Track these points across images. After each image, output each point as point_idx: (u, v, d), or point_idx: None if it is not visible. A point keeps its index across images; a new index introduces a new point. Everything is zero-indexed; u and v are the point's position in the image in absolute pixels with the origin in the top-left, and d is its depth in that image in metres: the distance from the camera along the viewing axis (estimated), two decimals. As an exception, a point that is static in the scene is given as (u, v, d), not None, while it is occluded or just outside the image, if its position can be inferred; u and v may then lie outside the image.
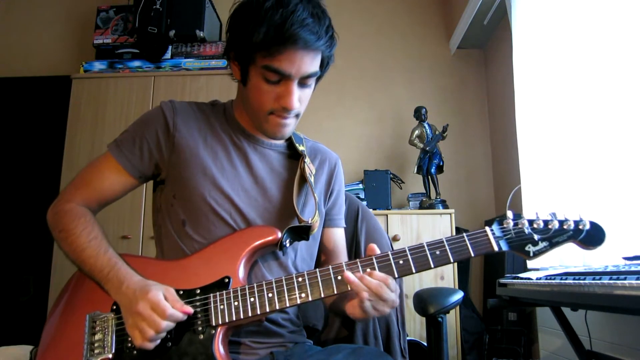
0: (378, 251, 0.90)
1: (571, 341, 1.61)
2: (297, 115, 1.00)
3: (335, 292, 0.88)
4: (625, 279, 1.01)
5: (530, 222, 0.88)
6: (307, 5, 0.91)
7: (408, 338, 1.54)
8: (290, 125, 1.01)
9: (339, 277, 0.88)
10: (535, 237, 0.87)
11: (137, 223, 2.57)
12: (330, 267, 0.90)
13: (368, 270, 0.87)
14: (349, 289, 0.87)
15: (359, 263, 0.89)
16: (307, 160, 1.09)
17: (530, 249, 0.86)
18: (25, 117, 3.11)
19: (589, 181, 1.75)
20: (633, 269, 1.15)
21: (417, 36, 3.28)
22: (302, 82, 0.95)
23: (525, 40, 2.23)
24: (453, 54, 3.22)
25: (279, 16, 0.88)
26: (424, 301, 1.22)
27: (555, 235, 0.86)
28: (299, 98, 0.96)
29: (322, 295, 0.88)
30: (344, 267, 0.89)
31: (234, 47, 0.97)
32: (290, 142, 1.11)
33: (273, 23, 0.88)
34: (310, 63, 0.93)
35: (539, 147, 2.10)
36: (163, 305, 0.84)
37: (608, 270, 1.22)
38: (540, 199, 2.06)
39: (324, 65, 0.98)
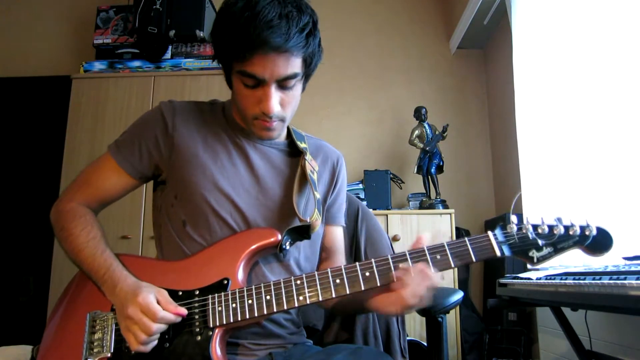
0: (425, 242, 0.88)
1: (571, 341, 1.61)
2: (282, 119, 0.98)
3: (334, 296, 0.87)
4: (625, 279, 1.01)
5: (535, 227, 0.85)
6: (276, 6, 0.87)
7: (408, 338, 1.54)
8: (276, 129, 0.99)
9: (337, 281, 0.87)
10: (540, 242, 0.84)
11: (137, 223, 2.57)
12: (329, 270, 0.89)
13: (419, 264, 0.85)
14: (348, 292, 0.86)
15: (357, 266, 0.88)
16: (308, 157, 1.08)
17: (534, 254, 0.84)
18: (25, 117, 3.11)
19: (588, 181, 1.75)
20: (633, 269, 1.15)
21: (417, 36, 3.28)
22: (282, 85, 0.93)
23: (525, 40, 2.23)
24: (453, 54, 3.22)
25: (244, 20, 0.86)
26: (424, 301, 1.22)
27: (560, 240, 0.84)
28: (281, 101, 0.94)
29: (321, 299, 0.87)
30: (343, 271, 0.88)
31: (214, 54, 0.97)
32: (291, 140, 1.10)
33: (239, 28, 0.86)
34: (284, 65, 0.90)
35: (539, 147, 2.10)
36: (154, 308, 0.84)
37: (608, 270, 1.22)
38: (540, 198, 2.06)
39: (307, 65, 0.95)
